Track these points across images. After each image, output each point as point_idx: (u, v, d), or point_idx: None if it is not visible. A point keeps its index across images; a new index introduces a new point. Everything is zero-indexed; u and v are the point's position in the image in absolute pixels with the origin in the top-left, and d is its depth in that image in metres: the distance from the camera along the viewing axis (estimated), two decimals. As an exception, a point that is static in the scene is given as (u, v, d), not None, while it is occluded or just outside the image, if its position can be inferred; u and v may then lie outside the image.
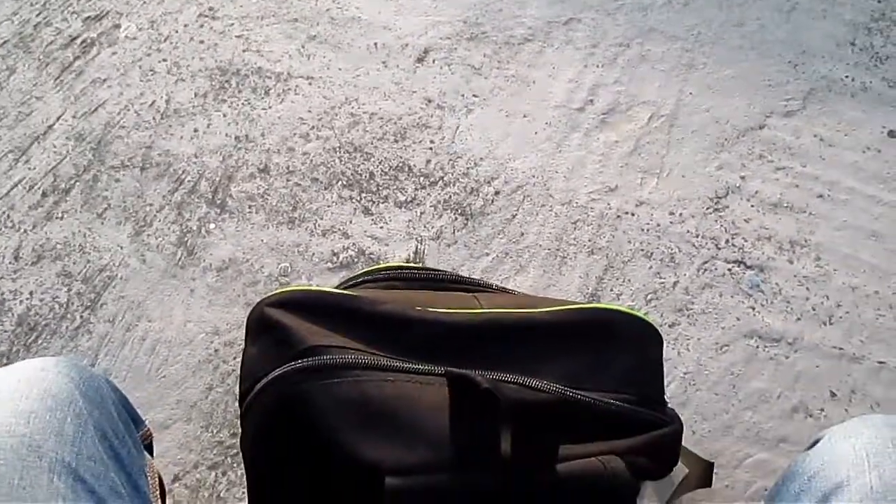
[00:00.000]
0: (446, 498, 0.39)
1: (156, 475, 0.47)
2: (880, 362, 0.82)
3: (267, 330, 0.47)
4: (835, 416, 0.79)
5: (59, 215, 0.92)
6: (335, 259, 0.89)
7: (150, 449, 0.51)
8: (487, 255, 0.88)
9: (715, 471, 0.71)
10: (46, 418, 0.39)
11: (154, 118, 0.98)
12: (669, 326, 0.84)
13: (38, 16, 1.06)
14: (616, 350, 0.48)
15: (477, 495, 0.39)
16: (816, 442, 0.51)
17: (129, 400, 0.50)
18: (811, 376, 0.81)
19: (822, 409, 0.80)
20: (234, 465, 0.78)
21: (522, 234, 0.89)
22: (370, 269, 0.58)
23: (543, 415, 0.39)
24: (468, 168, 0.93)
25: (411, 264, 0.60)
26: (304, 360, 0.43)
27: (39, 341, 0.84)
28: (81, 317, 0.86)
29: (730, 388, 0.81)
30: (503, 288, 0.59)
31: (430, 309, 0.47)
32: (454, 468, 0.39)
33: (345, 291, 0.49)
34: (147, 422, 0.79)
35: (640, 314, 0.49)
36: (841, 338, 0.83)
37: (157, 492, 0.46)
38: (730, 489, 0.77)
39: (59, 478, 0.37)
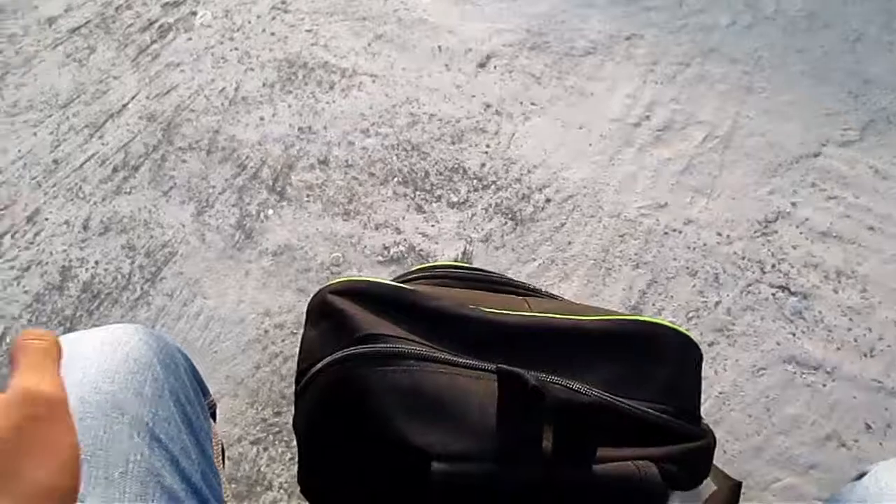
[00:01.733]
0: (488, 486, 0.41)
1: (219, 441, 0.50)
2: (919, 399, 0.82)
3: (328, 315, 0.49)
4: (869, 449, 0.80)
5: (128, 190, 0.96)
6: (386, 253, 0.91)
7: (214, 416, 0.54)
8: (534, 260, 0.90)
9: (743, 491, 0.72)
10: (128, 379, 0.42)
11: (223, 104, 1.02)
12: (709, 345, 0.85)
13: (120, -2, 1.11)
14: (658, 362, 0.49)
15: (516, 486, 0.41)
16: (862, 475, 0.51)
17: (197, 369, 0.53)
18: (847, 406, 0.82)
19: (857, 441, 0.80)
20: (276, 442, 0.81)
21: (570, 242, 0.91)
22: (425, 265, 0.60)
23: (585, 416, 0.41)
24: (521, 174, 0.96)
25: (465, 264, 0.62)
26: (363, 346, 0.46)
27: (101, 308, 0.89)
28: (142, 288, 0.90)
29: (764, 411, 0.82)
30: (551, 294, 0.61)
31: (483, 308, 0.49)
32: (498, 459, 0.42)
33: (403, 285, 0.51)
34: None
35: (683, 330, 0.51)
36: (881, 371, 0.83)
37: (220, 457, 0.49)
38: (756, 510, 0.78)
39: (137, 434, 0.41)
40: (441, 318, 0.48)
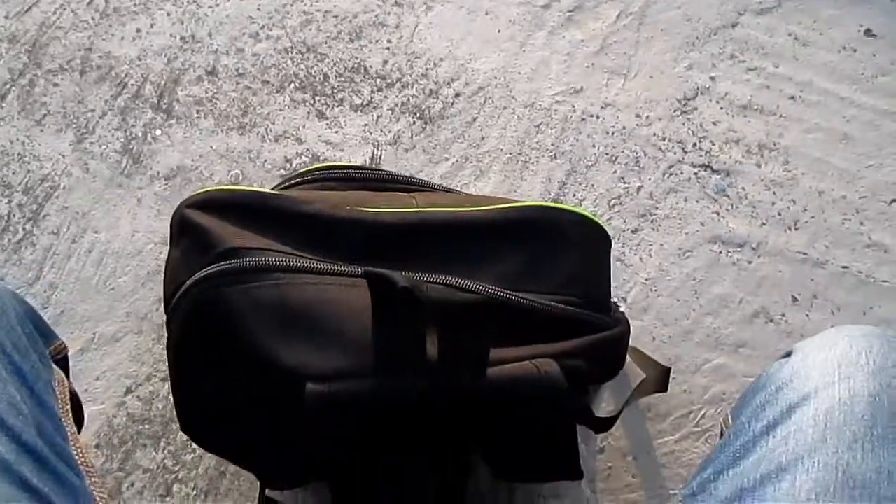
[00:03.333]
0: (369, 404, 0.37)
1: (66, 390, 0.45)
2: (843, 267, 0.81)
3: (187, 232, 0.44)
4: (795, 321, 0.79)
5: (-4, 122, 0.87)
6: (288, 166, 0.85)
7: (63, 364, 0.49)
8: (447, 159, 0.85)
9: (673, 376, 0.71)
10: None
11: (93, 18, 0.92)
12: (633, 232, 0.82)
13: None
14: (559, 250, 0.45)
15: (399, 400, 0.37)
16: (789, 354, 0.49)
17: (37, 313, 0.47)
18: (773, 282, 0.80)
19: (784, 315, 0.79)
20: (187, 376, 0.76)
21: (483, 137, 0.86)
22: (306, 169, 0.55)
23: (472, 317, 0.37)
24: (427, 69, 0.89)
25: (349, 163, 0.57)
26: (223, 263, 0.41)
27: (-19, 254, 0.81)
28: (24, 229, 0.82)
29: (691, 294, 0.80)
30: (447, 188, 0.56)
31: (361, 209, 0.44)
32: (377, 373, 0.38)
33: (269, 191, 0.46)
34: (96, 334, 0.77)
35: (586, 213, 0.47)
36: (806, 243, 0.82)
37: (67, 406, 0.44)
38: (687, 394, 0.77)
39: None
40: (313, 223, 0.43)
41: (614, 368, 0.49)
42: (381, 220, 0.43)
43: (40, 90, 0.88)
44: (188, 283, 0.41)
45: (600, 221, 0.48)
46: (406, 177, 0.54)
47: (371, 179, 0.53)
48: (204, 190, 0.46)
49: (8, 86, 0.88)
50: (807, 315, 0.79)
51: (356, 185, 0.52)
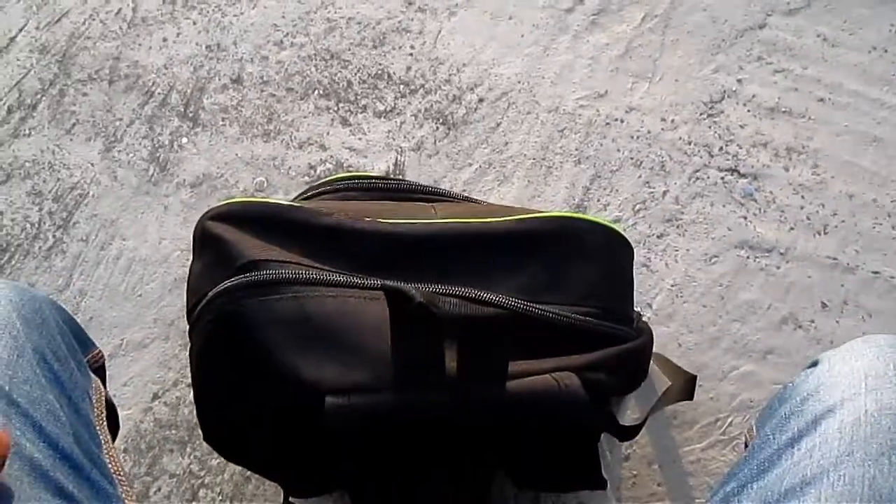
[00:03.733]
0: (388, 418, 0.37)
1: (102, 398, 0.46)
2: (874, 272, 0.79)
3: (208, 244, 0.44)
4: (825, 328, 0.77)
5: (27, 132, 0.88)
6: (312, 172, 0.85)
7: (100, 372, 0.50)
8: (470, 165, 0.85)
9: (699, 383, 0.70)
10: (-20, 343, 0.38)
11: (121, 28, 0.93)
12: (658, 237, 0.81)
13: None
14: (580, 261, 0.45)
15: (420, 415, 0.37)
16: (815, 364, 0.48)
17: (76, 322, 0.48)
18: (802, 287, 0.79)
19: (812, 321, 0.78)
20: (213, 382, 0.77)
21: (507, 143, 0.86)
22: (327, 179, 0.55)
23: (491, 330, 0.37)
24: (450, 75, 0.89)
25: (370, 173, 0.57)
26: (244, 275, 0.41)
27: (13, 262, 0.83)
28: (54, 236, 0.84)
29: (718, 300, 0.79)
30: (467, 197, 0.56)
31: (381, 220, 0.44)
32: (396, 387, 0.37)
33: (290, 202, 0.46)
34: (124, 340, 0.78)
35: (607, 222, 0.46)
36: (835, 248, 0.80)
37: (103, 414, 0.45)
38: (714, 401, 0.76)
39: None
40: (333, 234, 0.43)
41: (637, 380, 0.48)
42: (400, 232, 0.43)
43: (70, 100, 0.90)
44: (210, 295, 0.42)
45: (622, 230, 0.47)
46: (427, 186, 0.54)
47: (392, 190, 0.53)
48: (226, 201, 0.46)
49: (39, 95, 0.90)
50: (837, 322, 0.78)
51: (377, 195, 0.52)
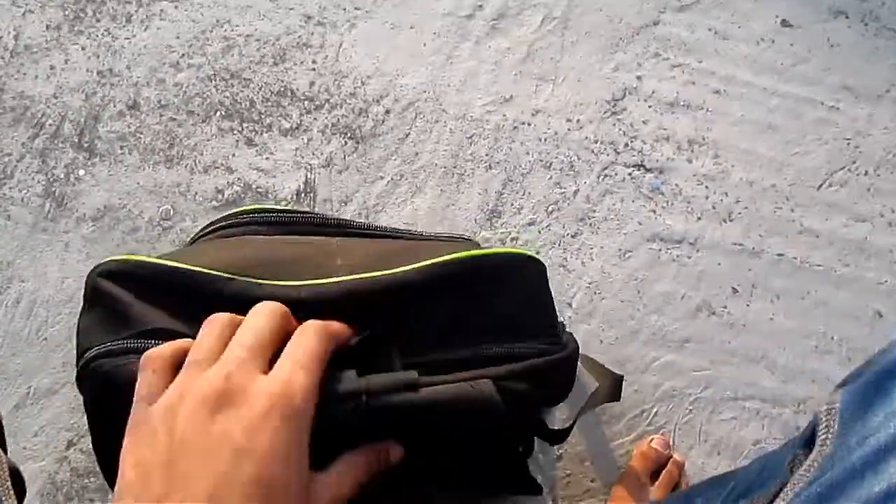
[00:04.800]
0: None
1: (5, 467, 0.43)
2: (779, 255, 0.82)
3: (97, 301, 0.45)
4: (737, 312, 0.80)
5: None
6: (220, 196, 0.83)
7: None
8: (382, 178, 0.84)
9: (624, 382, 0.71)
10: None
11: (3, 57, 0.88)
12: (572, 237, 0.82)
13: None
14: (490, 295, 0.45)
15: (331, 427, 0.37)
16: None
17: None
18: (713, 274, 0.81)
19: (725, 307, 0.80)
20: (130, 423, 0.74)
21: (417, 153, 0.85)
22: (228, 213, 0.54)
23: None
24: (355, 88, 0.88)
25: (273, 206, 0.55)
26: (122, 339, 0.41)
27: None
28: (-55, 283, 0.79)
29: (634, 294, 0.81)
30: (369, 225, 0.56)
31: (279, 283, 0.43)
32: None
33: (176, 263, 0.44)
34: (31, 388, 0.74)
35: (512, 250, 0.47)
36: (741, 234, 0.83)
37: (8, 483, 0.42)
38: (638, 393, 0.77)
39: None
40: (236, 301, 0.42)
41: (564, 391, 0.49)
42: (302, 298, 0.42)
43: (-48, 137, 0.84)
44: (90, 354, 0.42)
45: (530, 252, 0.48)
46: (330, 218, 0.53)
47: (295, 223, 0.52)
48: (116, 258, 0.46)
49: (-84, 135, 0.84)
50: (748, 305, 0.80)
51: (280, 229, 0.51)
